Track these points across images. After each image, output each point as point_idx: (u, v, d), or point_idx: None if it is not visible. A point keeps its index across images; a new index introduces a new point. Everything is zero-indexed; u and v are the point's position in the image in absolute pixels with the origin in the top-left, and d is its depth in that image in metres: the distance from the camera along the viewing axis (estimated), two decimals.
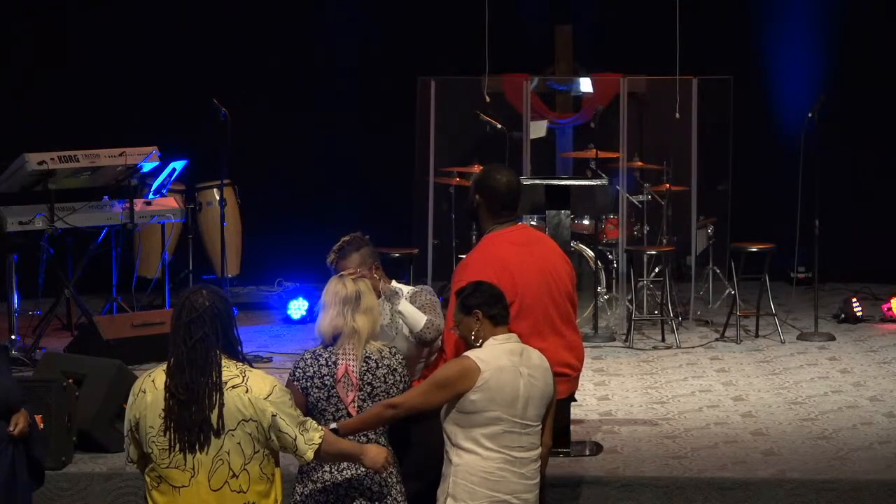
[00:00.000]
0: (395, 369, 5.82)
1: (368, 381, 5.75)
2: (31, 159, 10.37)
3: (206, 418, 5.12)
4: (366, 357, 5.76)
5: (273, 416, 5.17)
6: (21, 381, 7.20)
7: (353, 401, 5.71)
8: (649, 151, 12.12)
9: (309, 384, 5.73)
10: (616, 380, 9.80)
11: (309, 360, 5.77)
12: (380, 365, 5.79)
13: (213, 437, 5.13)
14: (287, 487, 5.55)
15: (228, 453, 5.15)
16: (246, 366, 5.26)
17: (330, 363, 5.74)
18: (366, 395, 5.73)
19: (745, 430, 8.41)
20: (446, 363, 6.03)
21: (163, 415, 5.15)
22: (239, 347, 5.29)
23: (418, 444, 6.09)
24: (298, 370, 5.77)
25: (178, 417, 5.13)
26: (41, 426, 7.31)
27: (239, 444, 5.15)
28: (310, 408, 5.71)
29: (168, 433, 5.14)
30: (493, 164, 7.22)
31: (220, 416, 5.13)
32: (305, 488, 5.75)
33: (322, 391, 5.72)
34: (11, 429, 6.13)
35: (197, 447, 5.13)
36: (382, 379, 5.77)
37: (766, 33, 13.53)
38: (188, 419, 5.12)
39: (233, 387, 5.16)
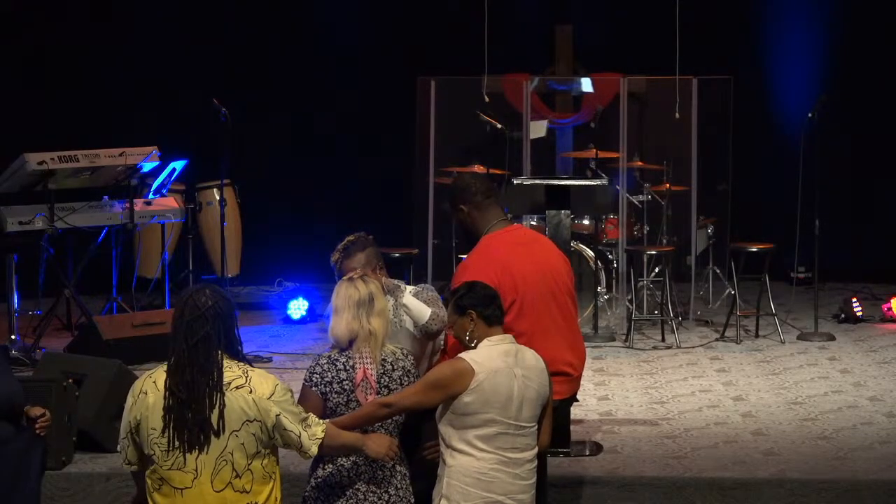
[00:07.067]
0: (409, 370, 5.81)
1: (385, 383, 5.73)
2: (31, 159, 10.37)
3: (206, 418, 5.11)
4: (381, 360, 5.74)
5: (277, 415, 5.17)
6: (21, 381, 7.19)
7: None
8: (649, 151, 12.12)
9: (328, 389, 5.68)
10: (616, 380, 9.80)
11: (326, 366, 5.71)
12: (395, 367, 5.77)
13: (213, 438, 5.12)
14: (285, 487, 5.55)
15: (232, 454, 5.14)
16: (247, 366, 5.25)
17: (347, 367, 5.69)
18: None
19: (745, 430, 8.41)
20: (440, 364, 6.02)
21: (163, 414, 5.14)
22: (240, 347, 5.28)
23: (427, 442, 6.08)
24: (315, 375, 5.71)
25: (177, 416, 5.12)
26: None
27: (243, 444, 5.15)
28: (328, 413, 5.66)
29: (167, 432, 5.13)
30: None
31: (221, 416, 5.12)
32: (314, 480, 5.72)
33: (341, 396, 5.68)
34: (37, 419, 6.14)
35: (196, 447, 5.12)
36: (399, 381, 5.75)
37: (766, 33, 13.52)
38: (188, 418, 5.11)
39: (237, 387, 5.15)
